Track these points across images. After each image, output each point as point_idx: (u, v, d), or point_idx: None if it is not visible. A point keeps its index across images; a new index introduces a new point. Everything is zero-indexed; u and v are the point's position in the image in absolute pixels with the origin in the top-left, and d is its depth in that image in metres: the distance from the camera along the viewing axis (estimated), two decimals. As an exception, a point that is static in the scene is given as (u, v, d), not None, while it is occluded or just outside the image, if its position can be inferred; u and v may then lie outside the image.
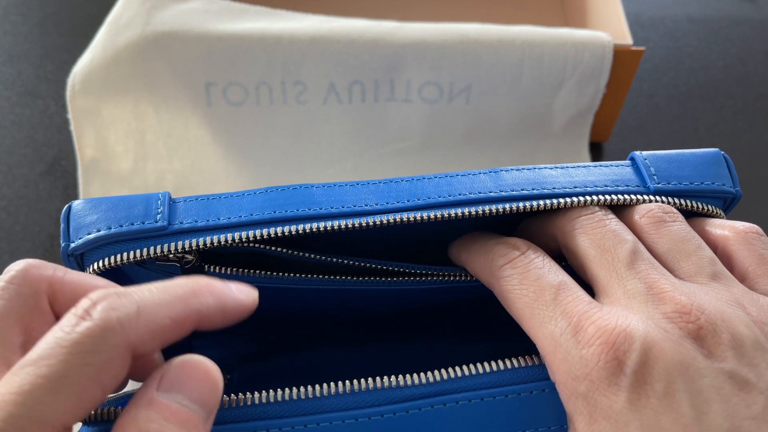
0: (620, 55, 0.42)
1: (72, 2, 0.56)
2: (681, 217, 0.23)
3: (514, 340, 0.23)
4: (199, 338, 0.32)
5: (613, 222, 0.23)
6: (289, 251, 0.24)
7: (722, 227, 0.24)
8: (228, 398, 0.21)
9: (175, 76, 0.42)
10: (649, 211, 0.23)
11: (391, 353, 0.31)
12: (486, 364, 0.22)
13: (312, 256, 0.24)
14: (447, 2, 0.56)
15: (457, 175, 0.25)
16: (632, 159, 0.26)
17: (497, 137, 0.46)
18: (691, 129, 0.50)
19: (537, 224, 0.25)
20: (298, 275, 0.24)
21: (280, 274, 0.24)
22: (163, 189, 0.43)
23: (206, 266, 0.24)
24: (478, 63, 0.42)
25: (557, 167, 0.25)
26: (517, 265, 0.22)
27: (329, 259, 0.24)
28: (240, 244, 0.23)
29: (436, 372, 0.22)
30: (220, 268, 0.24)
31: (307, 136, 0.45)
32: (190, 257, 0.23)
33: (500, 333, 0.26)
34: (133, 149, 0.44)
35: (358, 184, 0.24)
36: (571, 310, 0.20)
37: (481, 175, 0.25)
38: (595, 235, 0.22)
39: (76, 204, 0.23)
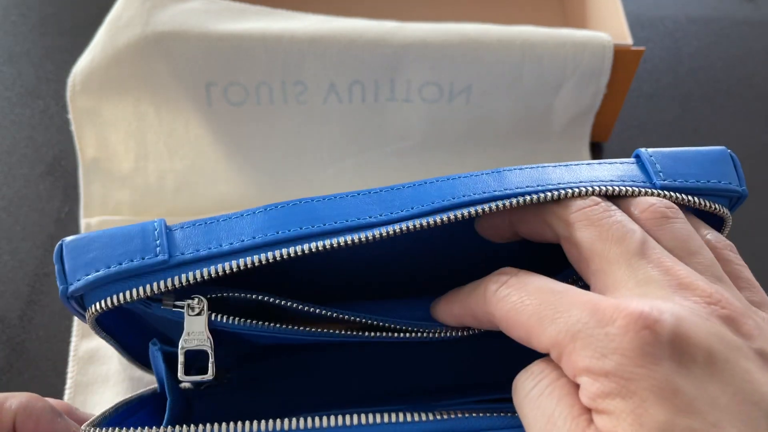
0: (620, 55, 0.42)
1: (72, 2, 0.56)
2: (681, 214, 0.23)
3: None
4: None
5: (617, 213, 0.22)
6: (294, 305, 0.24)
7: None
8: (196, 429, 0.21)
9: (175, 76, 0.42)
10: (651, 205, 0.23)
11: (391, 354, 0.31)
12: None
13: (316, 311, 0.24)
14: (447, 2, 0.56)
15: (460, 177, 0.24)
16: (637, 156, 0.26)
17: (497, 137, 0.46)
18: (691, 129, 0.50)
19: (534, 210, 0.24)
20: (298, 327, 0.24)
21: (281, 326, 0.24)
22: (163, 189, 0.43)
23: (211, 314, 0.23)
24: (478, 63, 0.42)
25: (560, 165, 0.25)
26: (512, 283, 0.22)
27: (330, 314, 0.24)
28: (246, 267, 0.22)
29: (430, 414, 0.22)
30: (222, 317, 0.23)
31: (307, 135, 0.45)
32: (195, 303, 0.23)
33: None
34: (134, 149, 0.44)
35: (359, 194, 0.24)
36: (583, 302, 0.19)
37: (484, 176, 0.24)
38: (601, 227, 0.22)
39: (69, 242, 0.22)
